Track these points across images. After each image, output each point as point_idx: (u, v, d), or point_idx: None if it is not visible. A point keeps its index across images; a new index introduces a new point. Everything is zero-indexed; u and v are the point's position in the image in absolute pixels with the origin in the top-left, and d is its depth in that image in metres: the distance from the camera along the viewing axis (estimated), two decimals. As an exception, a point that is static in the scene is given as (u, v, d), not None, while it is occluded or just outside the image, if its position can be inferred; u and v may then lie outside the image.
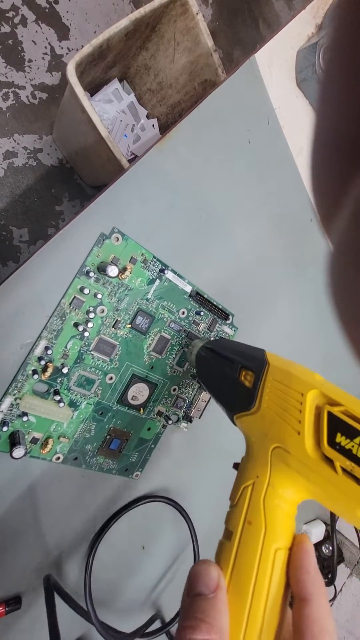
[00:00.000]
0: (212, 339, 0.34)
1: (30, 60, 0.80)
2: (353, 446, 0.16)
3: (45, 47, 0.82)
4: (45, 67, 0.82)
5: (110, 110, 0.82)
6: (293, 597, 0.17)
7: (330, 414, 0.17)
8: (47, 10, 0.81)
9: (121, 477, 0.32)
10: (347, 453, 0.16)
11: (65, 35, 0.84)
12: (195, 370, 0.33)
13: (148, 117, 0.87)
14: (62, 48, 0.84)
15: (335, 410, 0.17)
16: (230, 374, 0.25)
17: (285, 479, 0.19)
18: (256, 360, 0.23)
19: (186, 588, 0.17)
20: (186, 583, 0.17)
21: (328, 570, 0.49)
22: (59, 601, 0.28)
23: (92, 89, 0.79)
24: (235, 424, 0.23)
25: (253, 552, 0.17)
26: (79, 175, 0.86)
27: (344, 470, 0.16)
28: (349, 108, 0.07)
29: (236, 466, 0.21)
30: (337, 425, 0.17)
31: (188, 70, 0.75)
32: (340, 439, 0.17)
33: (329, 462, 0.17)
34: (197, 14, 0.66)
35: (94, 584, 0.31)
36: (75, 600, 0.29)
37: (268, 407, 0.21)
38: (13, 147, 0.79)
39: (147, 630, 0.32)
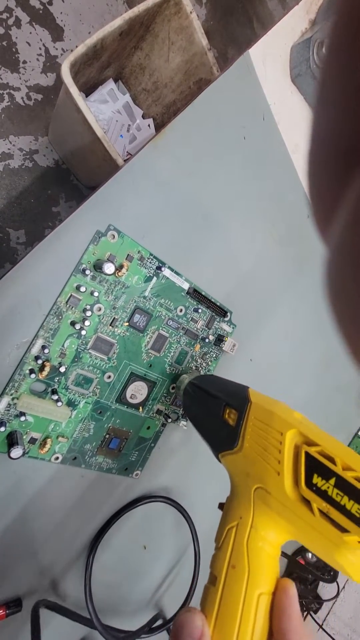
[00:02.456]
0: (201, 373, 0.34)
1: (24, 62, 0.80)
2: (328, 487, 0.16)
3: (40, 48, 0.82)
4: (40, 68, 0.82)
5: (106, 111, 0.82)
6: None
7: (307, 454, 0.18)
8: (40, 11, 0.81)
9: (121, 477, 0.32)
10: (323, 494, 0.16)
11: (59, 36, 0.84)
12: (182, 406, 0.33)
13: (144, 117, 0.87)
14: (56, 49, 0.84)
15: (312, 451, 0.17)
16: (214, 411, 0.25)
17: (267, 520, 0.19)
18: (239, 398, 0.23)
19: (171, 637, 0.17)
20: (171, 632, 0.17)
21: (331, 568, 0.49)
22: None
23: (87, 90, 0.79)
24: (220, 462, 0.24)
25: (237, 597, 0.17)
26: (75, 176, 0.86)
27: (320, 511, 0.16)
28: (346, 110, 0.07)
29: (221, 506, 0.21)
30: (313, 465, 0.17)
31: (183, 69, 0.75)
32: (316, 479, 0.17)
33: (307, 503, 0.17)
34: (190, 13, 0.66)
35: (96, 585, 0.31)
36: (74, 611, 0.28)
37: (250, 446, 0.21)
38: (9, 149, 0.79)
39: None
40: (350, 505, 0.15)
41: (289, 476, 0.18)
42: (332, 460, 0.17)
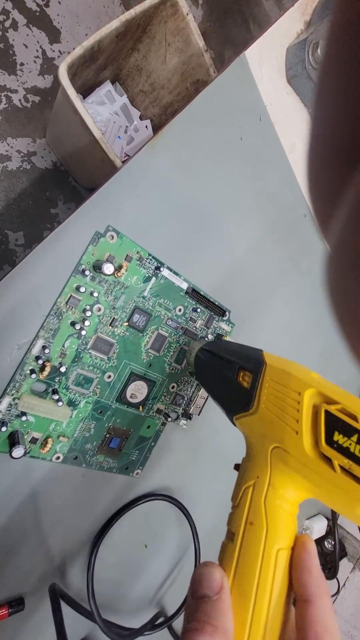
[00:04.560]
0: (209, 339, 0.34)
1: (22, 64, 0.80)
2: (350, 444, 0.16)
3: (37, 51, 0.82)
4: (37, 71, 0.82)
5: (103, 112, 0.82)
6: (296, 597, 0.17)
7: (327, 413, 0.17)
8: (37, 13, 0.81)
9: (122, 476, 0.32)
10: (344, 451, 0.16)
11: (56, 38, 0.84)
12: (194, 372, 0.33)
13: (141, 118, 0.87)
14: (53, 51, 0.84)
15: (333, 409, 0.17)
16: (228, 375, 0.24)
17: (285, 478, 0.19)
18: (253, 361, 0.23)
19: (190, 590, 0.17)
20: (190, 585, 0.17)
21: (331, 565, 0.49)
22: (62, 604, 0.28)
23: (85, 91, 0.79)
24: (235, 425, 0.24)
25: (255, 553, 0.17)
26: (74, 178, 0.86)
27: (342, 468, 0.16)
28: (344, 110, 0.07)
29: (237, 467, 0.21)
30: (334, 423, 0.17)
31: (180, 70, 0.75)
32: (337, 437, 0.17)
33: (328, 461, 0.17)
34: (187, 14, 0.66)
35: (97, 583, 0.31)
36: (79, 602, 0.29)
37: (266, 407, 0.21)
38: (7, 151, 0.79)
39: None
40: None
41: (308, 435, 0.18)
42: (354, 418, 0.17)
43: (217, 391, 0.27)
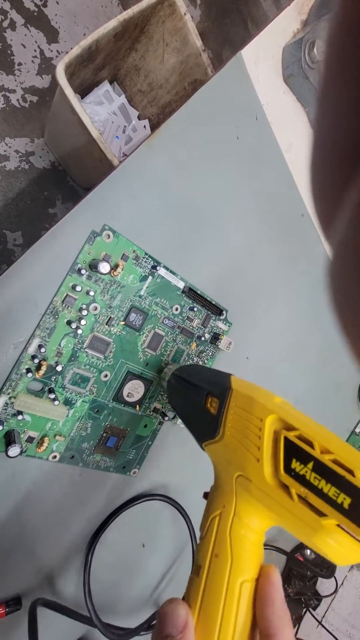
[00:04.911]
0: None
1: (20, 64, 0.80)
2: (306, 472, 0.16)
3: (35, 50, 0.82)
4: (35, 70, 0.82)
5: (102, 112, 0.82)
6: (260, 631, 0.17)
7: (286, 439, 0.17)
8: (35, 13, 0.81)
9: (119, 475, 0.32)
10: (301, 479, 0.16)
11: (54, 38, 0.84)
12: (167, 398, 0.33)
13: (139, 118, 0.87)
14: (51, 51, 0.84)
15: (291, 435, 0.17)
16: (197, 401, 0.24)
17: (249, 507, 0.19)
18: (220, 386, 0.23)
19: (155, 629, 0.17)
20: (155, 623, 0.17)
21: (329, 563, 0.49)
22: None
23: (83, 91, 0.79)
24: (204, 451, 0.24)
25: (220, 586, 0.17)
26: (72, 178, 0.86)
27: (299, 496, 0.16)
28: (345, 111, 0.07)
29: (206, 496, 0.21)
30: (292, 450, 0.17)
31: (178, 70, 0.76)
32: (295, 464, 0.17)
33: (286, 489, 0.17)
34: (185, 14, 0.66)
35: (95, 584, 0.31)
36: (73, 609, 0.29)
37: (231, 434, 0.21)
38: (5, 151, 0.79)
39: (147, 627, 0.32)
40: (327, 488, 0.15)
41: (269, 462, 0.18)
42: (311, 444, 0.17)
43: (187, 417, 0.27)
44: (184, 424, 0.27)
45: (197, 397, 0.24)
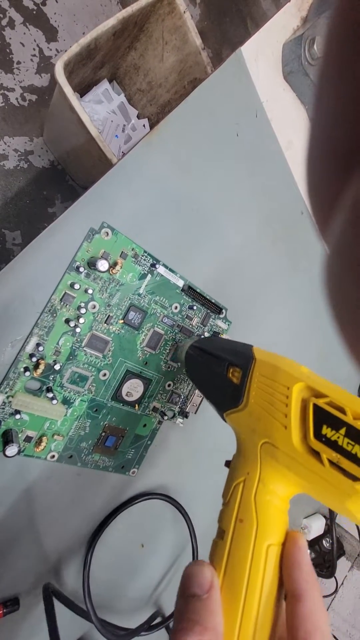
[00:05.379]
0: (202, 337, 0.34)
1: (19, 62, 0.80)
2: (338, 437, 0.16)
3: (34, 49, 0.82)
4: (34, 69, 0.82)
5: (101, 111, 0.82)
6: (286, 594, 0.17)
7: (315, 406, 0.17)
8: (34, 12, 0.81)
9: (118, 475, 0.32)
10: (332, 445, 0.16)
11: (53, 36, 0.84)
12: (185, 370, 0.33)
13: (139, 117, 0.87)
14: (50, 50, 0.84)
15: (321, 402, 0.17)
16: (218, 372, 0.24)
17: (275, 474, 0.19)
18: (243, 356, 0.23)
19: (180, 589, 0.17)
20: (180, 584, 0.17)
21: (329, 564, 0.49)
22: (57, 603, 0.28)
23: (82, 90, 0.79)
24: (225, 422, 0.23)
25: (245, 550, 0.17)
26: (71, 177, 0.86)
27: (330, 462, 0.16)
28: (343, 112, 0.07)
29: (228, 464, 0.21)
30: (322, 417, 0.17)
31: (177, 69, 0.75)
32: (326, 430, 0.17)
33: (316, 454, 0.17)
34: (184, 12, 0.66)
35: (94, 583, 0.31)
36: (75, 602, 0.29)
37: (255, 402, 0.21)
38: (4, 150, 0.79)
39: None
40: None
41: (297, 429, 0.18)
42: (342, 410, 0.17)
43: (208, 388, 0.26)
44: (203, 394, 0.27)
45: (218, 368, 0.24)
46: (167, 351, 0.32)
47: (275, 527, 0.18)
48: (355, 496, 0.16)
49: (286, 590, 0.16)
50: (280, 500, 0.18)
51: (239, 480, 0.19)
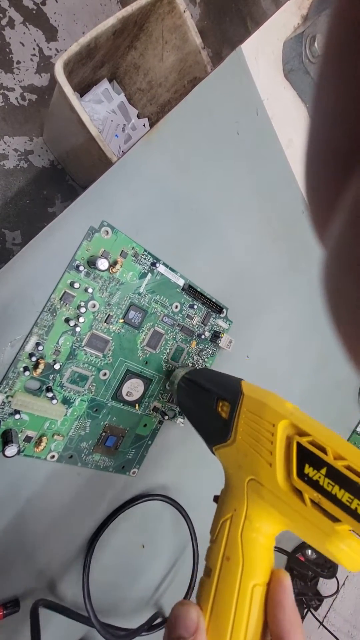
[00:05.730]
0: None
1: (18, 62, 0.80)
2: (320, 477, 0.16)
3: (34, 49, 0.82)
4: (34, 69, 0.82)
5: (101, 111, 0.82)
6: (271, 636, 0.17)
7: (299, 445, 0.18)
8: (34, 11, 0.81)
9: (118, 475, 0.32)
10: (314, 484, 0.16)
11: (53, 36, 0.84)
12: (177, 402, 0.33)
13: (139, 116, 0.87)
14: (50, 49, 0.84)
15: (304, 441, 0.17)
16: (207, 405, 0.25)
17: (261, 511, 0.19)
18: (231, 391, 0.23)
19: (166, 631, 0.17)
20: (166, 625, 0.17)
21: (330, 564, 0.49)
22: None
23: (82, 90, 0.79)
24: (214, 455, 0.23)
25: (231, 589, 0.17)
26: (71, 176, 0.86)
27: (312, 502, 0.16)
28: (343, 113, 0.07)
29: (216, 499, 0.21)
30: (305, 456, 0.17)
31: (177, 68, 0.75)
32: (308, 470, 0.17)
33: (299, 494, 0.17)
34: (184, 11, 0.66)
35: (94, 584, 0.31)
36: (73, 610, 0.28)
37: (242, 438, 0.21)
38: (3, 150, 0.79)
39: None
40: (341, 494, 0.15)
41: (281, 467, 0.18)
42: (324, 450, 0.17)
43: (198, 420, 0.27)
44: (194, 427, 0.27)
45: (208, 401, 0.25)
46: (168, 350, 0.32)
47: (261, 565, 0.18)
48: (334, 536, 0.16)
49: (270, 632, 0.17)
50: (266, 538, 0.18)
51: (227, 517, 0.19)
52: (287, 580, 0.17)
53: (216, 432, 0.23)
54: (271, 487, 0.18)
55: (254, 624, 0.16)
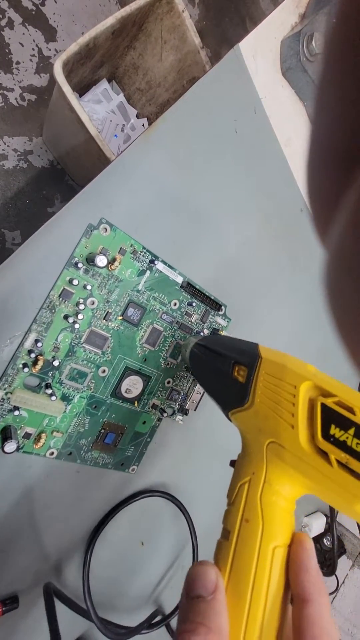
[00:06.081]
0: (205, 334, 0.34)
1: (18, 62, 0.80)
2: (347, 437, 0.16)
3: (33, 49, 0.82)
4: (33, 69, 0.82)
5: (100, 111, 0.82)
6: (293, 597, 0.16)
7: (323, 406, 0.17)
8: (33, 12, 0.81)
9: (117, 472, 0.32)
10: (341, 445, 0.16)
11: (52, 36, 0.84)
12: (189, 368, 0.32)
13: (138, 116, 0.87)
14: (49, 50, 0.84)
15: (329, 402, 0.17)
16: (223, 370, 0.24)
17: (282, 474, 0.18)
18: (248, 355, 0.23)
19: (184, 590, 0.16)
20: (184, 585, 0.17)
21: (329, 562, 0.49)
22: (58, 603, 0.28)
23: (81, 90, 0.79)
24: (230, 421, 0.23)
25: (251, 551, 0.17)
26: (70, 176, 0.86)
27: (339, 462, 0.16)
28: (343, 115, 0.07)
29: (232, 463, 0.21)
30: (330, 417, 0.17)
31: (176, 68, 0.75)
32: (334, 430, 0.16)
33: (324, 455, 0.17)
34: (183, 11, 0.66)
35: (93, 581, 0.31)
36: (75, 601, 0.28)
37: (261, 401, 0.20)
38: (3, 150, 0.79)
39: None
40: None
41: (304, 429, 0.17)
42: (351, 410, 0.16)
43: (213, 386, 0.26)
44: (208, 394, 0.27)
45: (224, 366, 0.24)
46: (167, 348, 0.32)
47: (282, 528, 0.17)
48: None
49: (293, 594, 0.16)
50: (286, 501, 0.18)
51: (245, 480, 0.19)
52: (309, 543, 0.17)
53: (233, 397, 0.22)
54: (294, 449, 0.18)
55: (275, 586, 0.16)
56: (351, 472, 0.16)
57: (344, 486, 0.16)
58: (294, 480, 0.18)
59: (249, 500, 0.18)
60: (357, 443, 0.16)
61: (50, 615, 0.26)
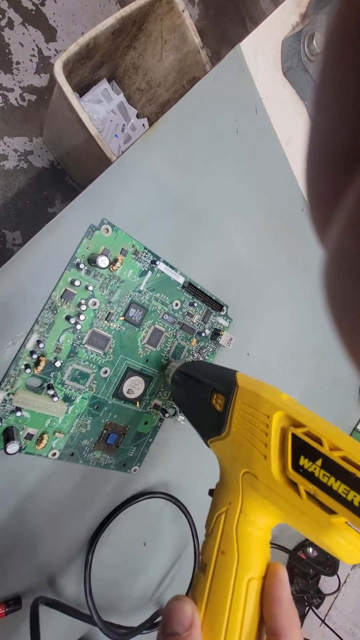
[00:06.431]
0: (190, 360, 0.34)
1: (18, 63, 0.80)
2: (315, 469, 0.16)
3: (33, 49, 0.82)
4: (33, 69, 0.82)
5: (100, 111, 0.82)
6: (266, 631, 0.16)
7: (294, 436, 0.17)
8: (33, 12, 0.81)
9: (119, 472, 0.32)
10: (309, 476, 0.16)
11: (52, 36, 0.84)
12: (171, 395, 0.33)
13: (138, 116, 0.87)
14: (49, 50, 0.84)
15: (299, 432, 0.17)
16: (202, 398, 0.24)
17: (256, 504, 0.18)
18: (226, 383, 0.23)
19: (160, 626, 0.16)
20: (161, 620, 0.17)
21: (331, 562, 0.49)
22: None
23: (81, 90, 0.79)
24: (210, 448, 0.23)
25: (226, 583, 0.17)
26: (71, 177, 0.86)
27: (307, 494, 0.16)
28: (343, 115, 0.07)
29: (211, 492, 0.21)
30: (300, 447, 0.17)
31: (176, 68, 0.75)
32: (303, 461, 0.16)
33: (294, 486, 0.17)
34: (183, 11, 0.66)
35: (96, 582, 0.31)
36: (74, 608, 0.28)
37: (237, 430, 0.20)
38: (3, 150, 0.79)
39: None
40: (337, 485, 0.15)
41: (276, 459, 0.18)
42: (319, 441, 0.16)
43: (192, 414, 0.26)
44: (189, 420, 0.27)
45: (203, 394, 0.24)
46: (168, 348, 0.32)
47: (257, 559, 0.17)
48: (330, 529, 0.15)
49: (266, 628, 0.16)
50: (262, 531, 0.18)
51: (222, 511, 0.19)
52: (282, 573, 0.17)
53: (211, 425, 0.22)
54: (266, 480, 0.18)
55: (250, 619, 0.16)
56: (319, 503, 0.16)
57: (313, 517, 0.16)
58: (268, 510, 0.18)
59: (225, 531, 0.18)
60: (324, 474, 0.16)
61: (34, 634, 0.25)
